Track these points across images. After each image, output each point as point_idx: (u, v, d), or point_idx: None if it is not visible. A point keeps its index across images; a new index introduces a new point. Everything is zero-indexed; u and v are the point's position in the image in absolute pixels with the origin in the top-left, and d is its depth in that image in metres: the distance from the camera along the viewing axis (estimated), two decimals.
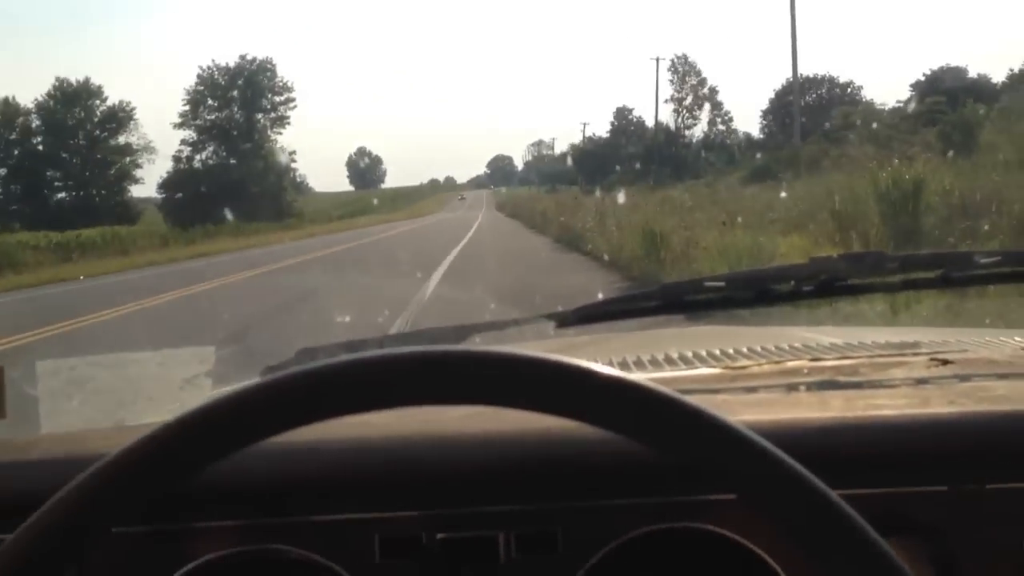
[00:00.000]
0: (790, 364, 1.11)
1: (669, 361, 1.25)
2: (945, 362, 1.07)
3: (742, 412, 0.87)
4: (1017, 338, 1.29)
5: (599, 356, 1.14)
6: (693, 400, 0.49)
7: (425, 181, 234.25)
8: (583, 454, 0.85)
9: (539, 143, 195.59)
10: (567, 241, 22.10)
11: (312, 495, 0.86)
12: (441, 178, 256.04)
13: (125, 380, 0.99)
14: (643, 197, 27.46)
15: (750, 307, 1.08)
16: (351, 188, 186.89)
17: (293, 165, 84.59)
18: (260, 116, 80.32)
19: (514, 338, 1.12)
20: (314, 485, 0.86)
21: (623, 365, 1.14)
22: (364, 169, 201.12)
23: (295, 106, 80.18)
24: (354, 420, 0.93)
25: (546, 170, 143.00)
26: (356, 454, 0.87)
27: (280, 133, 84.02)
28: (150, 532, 0.84)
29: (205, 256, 28.53)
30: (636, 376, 0.50)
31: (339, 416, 0.52)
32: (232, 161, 76.83)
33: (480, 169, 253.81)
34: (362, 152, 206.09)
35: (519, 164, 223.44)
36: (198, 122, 78.67)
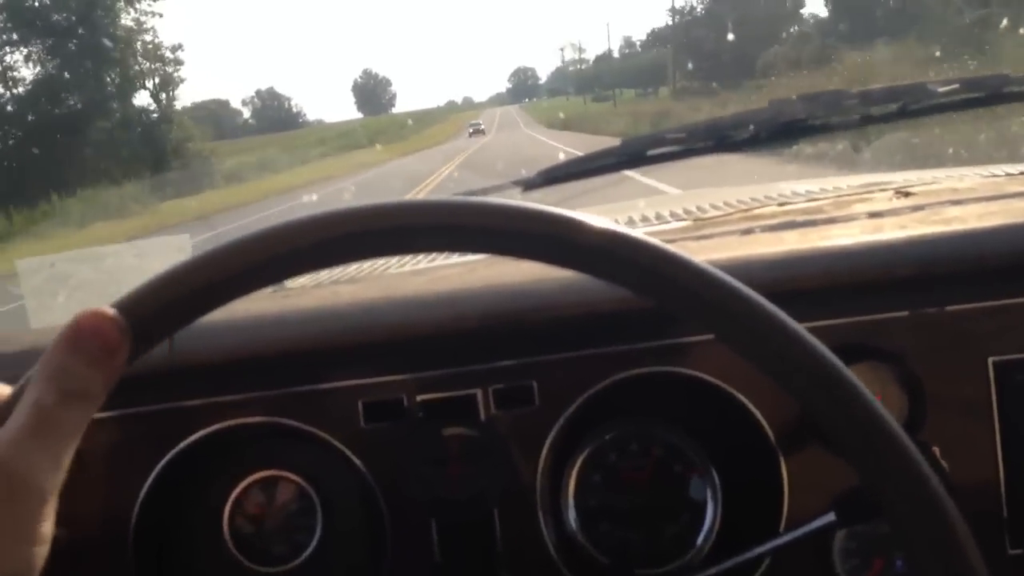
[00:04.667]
0: (756, 211, 1.12)
1: (644, 220, 1.27)
2: (907, 194, 1.08)
3: (696, 255, 0.89)
4: (991, 169, 1.29)
5: None
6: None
7: (440, 103, 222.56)
8: (552, 307, 0.87)
9: (570, 45, 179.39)
10: None
11: (294, 366, 0.89)
12: (458, 99, 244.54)
13: (105, 273, 1.01)
14: None
15: (710, 154, 1.08)
16: (360, 115, 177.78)
17: (177, 73, 49.11)
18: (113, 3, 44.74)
19: None
20: (295, 356, 0.89)
21: None
22: (371, 94, 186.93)
23: None
24: (325, 292, 0.97)
25: (590, 75, 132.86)
26: (332, 323, 0.89)
27: (148, 30, 48.38)
28: (141, 413, 0.88)
29: None
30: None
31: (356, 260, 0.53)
32: (65, 75, 42.75)
33: (500, 85, 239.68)
34: (368, 75, 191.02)
35: (542, 76, 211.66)
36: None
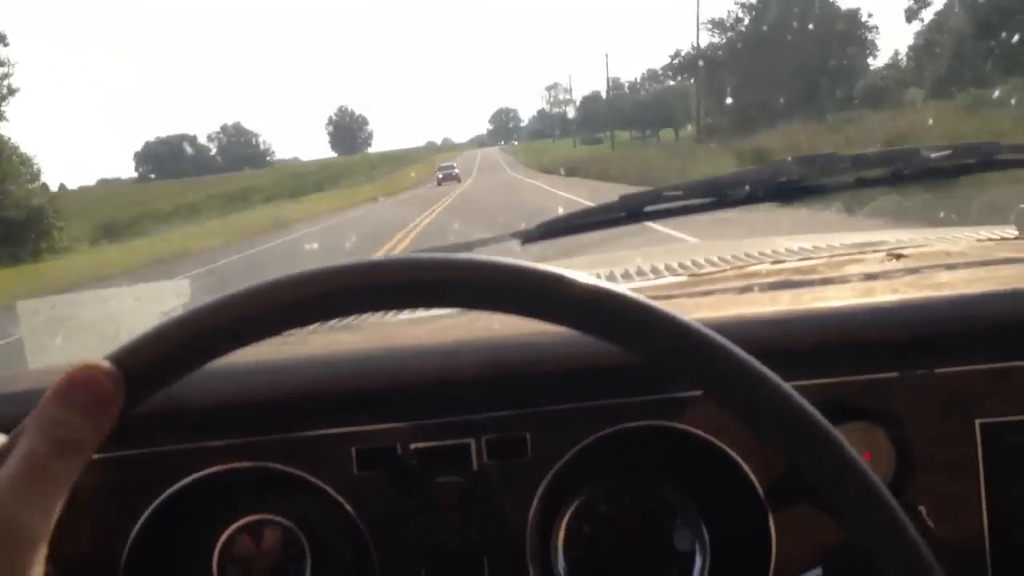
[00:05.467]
0: (751, 268, 1.14)
1: (639, 273, 1.28)
2: (899, 256, 1.09)
3: (693, 311, 0.90)
4: (983, 232, 1.31)
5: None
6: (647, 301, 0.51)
7: (419, 143, 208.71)
8: (547, 360, 0.88)
9: (555, 86, 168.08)
10: None
11: (288, 412, 0.90)
12: (438, 140, 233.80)
13: (105, 316, 1.02)
14: None
15: (708, 212, 1.10)
16: (333, 154, 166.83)
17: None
18: None
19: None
20: (289, 403, 0.89)
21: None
22: (346, 132, 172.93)
23: None
24: (322, 339, 0.97)
25: (579, 117, 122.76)
26: (327, 370, 0.90)
27: None
28: (134, 456, 0.89)
29: None
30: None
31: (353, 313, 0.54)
32: None
33: (481, 127, 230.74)
34: (343, 112, 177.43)
35: (525, 118, 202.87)
36: None
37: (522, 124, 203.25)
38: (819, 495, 0.49)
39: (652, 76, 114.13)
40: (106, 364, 0.45)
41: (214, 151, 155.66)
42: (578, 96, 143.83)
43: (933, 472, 0.88)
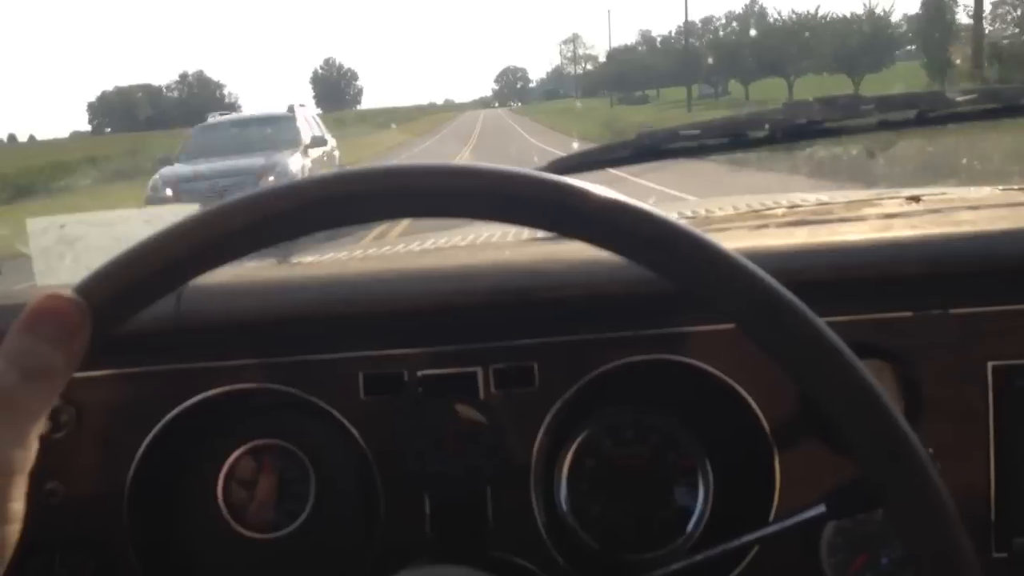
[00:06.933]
0: (766, 212, 1.13)
1: None
2: (918, 199, 1.08)
3: None
4: (1000, 187, 1.29)
5: None
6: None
7: (421, 102, 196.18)
8: (557, 288, 0.87)
9: (575, 39, 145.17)
10: None
11: (298, 335, 0.89)
12: (439, 100, 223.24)
13: (113, 238, 1.01)
14: None
15: (725, 152, 1.08)
16: (318, 111, 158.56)
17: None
18: None
19: None
20: (299, 325, 0.89)
21: None
22: (332, 87, 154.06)
23: None
24: (334, 263, 0.97)
25: (611, 72, 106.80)
26: (336, 293, 0.90)
27: None
28: (142, 373, 0.88)
29: None
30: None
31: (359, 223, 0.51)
32: None
33: (486, 89, 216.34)
34: (330, 65, 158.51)
35: (535, 78, 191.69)
36: None
37: (531, 85, 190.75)
38: (832, 431, 0.48)
39: (690, 30, 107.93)
40: (70, 293, 0.44)
41: (176, 102, 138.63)
42: (601, 51, 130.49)
43: (942, 413, 0.87)
